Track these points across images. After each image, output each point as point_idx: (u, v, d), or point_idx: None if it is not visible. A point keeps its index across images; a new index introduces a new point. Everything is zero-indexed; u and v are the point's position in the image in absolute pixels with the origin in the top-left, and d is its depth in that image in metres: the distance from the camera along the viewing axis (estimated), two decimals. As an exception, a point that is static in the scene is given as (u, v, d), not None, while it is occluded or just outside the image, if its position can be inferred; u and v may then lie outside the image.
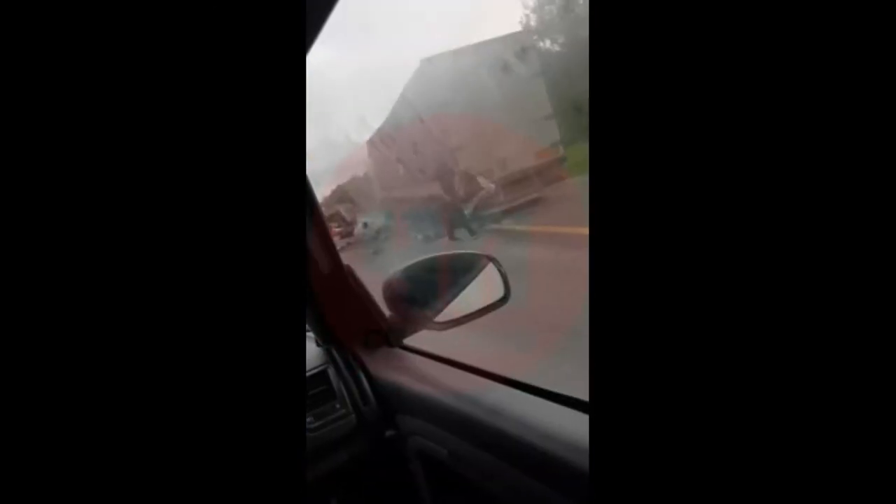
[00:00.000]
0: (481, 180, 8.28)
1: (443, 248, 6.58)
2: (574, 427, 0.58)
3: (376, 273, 1.02)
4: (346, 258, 1.02)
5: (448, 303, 0.95)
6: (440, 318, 0.95)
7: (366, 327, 1.04)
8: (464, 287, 0.97)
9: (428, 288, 0.95)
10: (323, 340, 1.08)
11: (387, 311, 1.02)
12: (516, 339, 2.72)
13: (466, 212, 8.23)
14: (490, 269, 0.97)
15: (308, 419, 0.95)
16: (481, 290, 0.96)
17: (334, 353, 1.04)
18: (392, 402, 0.95)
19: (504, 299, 0.94)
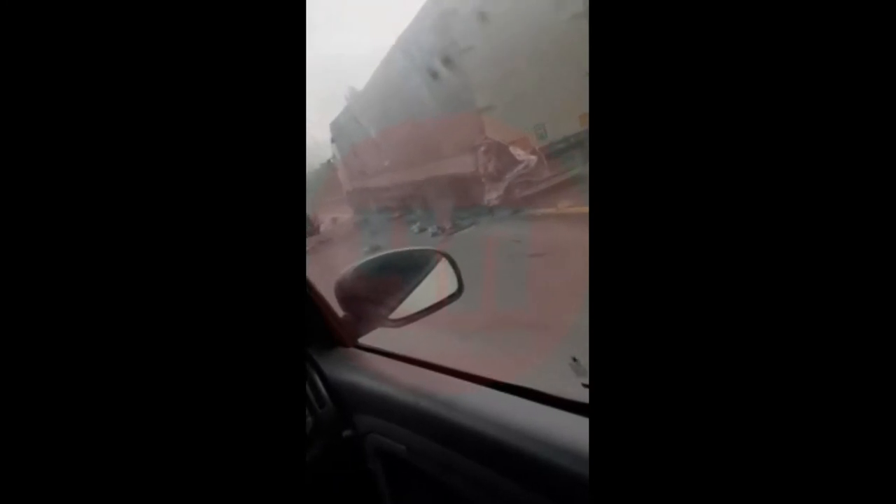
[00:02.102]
0: (517, 151, 6.32)
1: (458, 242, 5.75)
2: (528, 417, 0.60)
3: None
4: (333, 258, 0.98)
5: (402, 300, 0.96)
6: (394, 315, 0.95)
7: (319, 327, 1.03)
8: (418, 283, 0.97)
9: (381, 286, 0.95)
10: (275, 343, 1.05)
11: (340, 311, 1.00)
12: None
13: (495, 194, 6.39)
14: (443, 264, 0.97)
15: None
16: (435, 285, 0.97)
17: None
18: (348, 402, 0.94)
19: (458, 293, 0.95)
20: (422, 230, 7.21)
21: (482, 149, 6.40)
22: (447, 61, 6.36)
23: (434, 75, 6.69)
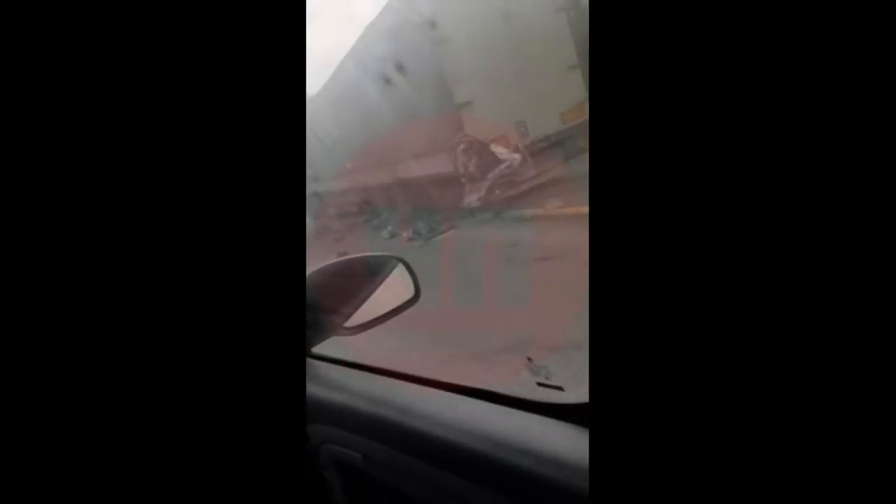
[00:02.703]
0: (499, 149, 5.91)
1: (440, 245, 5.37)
2: (482, 418, 0.60)
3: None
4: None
5: (357, 307, 0.94)
6: (349, 322, 0.93)
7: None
8: (373, 290, 0.96)
9: (335, 293, 0.93)
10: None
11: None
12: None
13: (476, 195, 5.93)
14: (399, 269, 0.97)
15: None
16: (391, 291, 0.96)
17: None
18: None
19: (414, 299, 0.95)
20: (393, 235, 6.77)
21: (461, 147, 5.97)
22: (415, 56, 6.06)
23: (400, 69, 6.36)
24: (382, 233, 7.20)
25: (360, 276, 0.98)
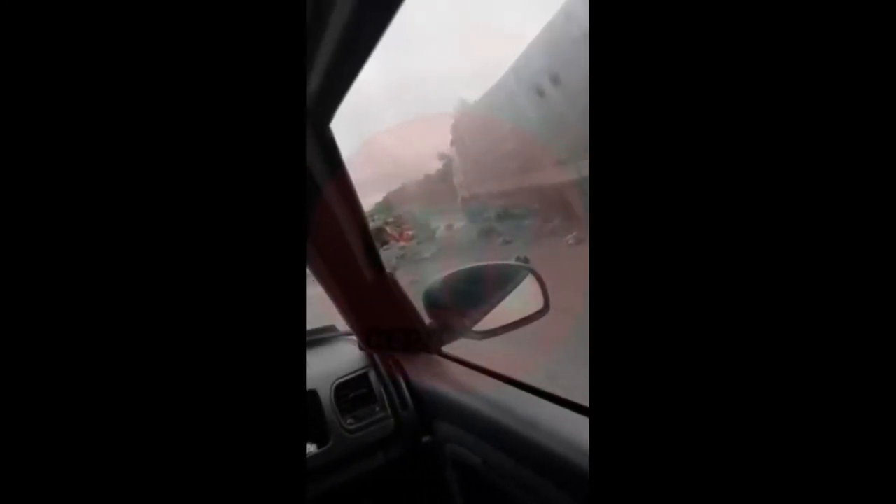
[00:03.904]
0: None
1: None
2: None
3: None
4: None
5: (487, 313, 0.96)
6: (479, 327, 0.96)
7: (406, 333, 1.07)
8: (503, 297, 0.97)
9: (467, 297, 0.96)
10: (365, 344, 1.11)
11: (427, 319, 1.04)
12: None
13: None
14: (530, 279, 0.97)
15: (348, 420, 0.98)
16: (521, 300, 0.96)
17: (375, 357, 1.07)
18: (430, 408, 0.97)
19: (544, 311, 0.94)
20: (580, 241, 6.42)
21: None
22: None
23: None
24: (567, 238, 6.86)
25: (492, 283, 0.99)
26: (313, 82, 0.61)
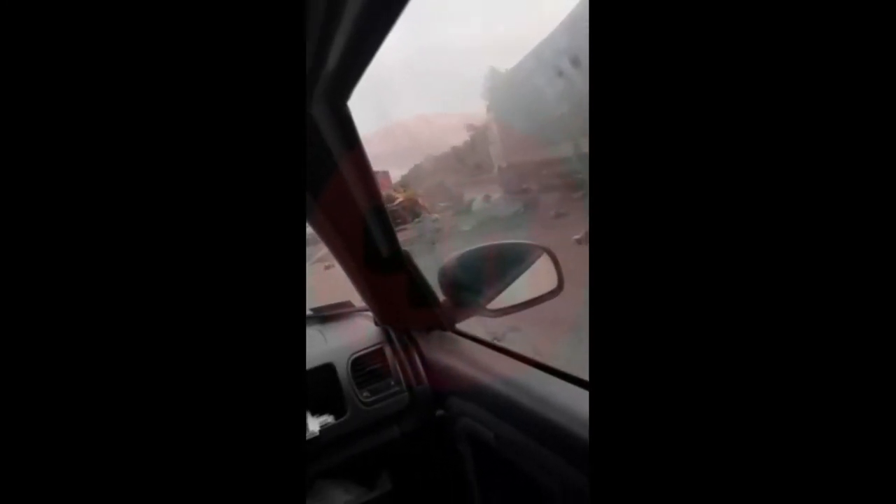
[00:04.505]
0: None
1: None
2: None
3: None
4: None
5: (501, 291, 0.97)
6: (492, 305, 0.97)
7: (421, 310, 1.08)
8: (517, 276, 0.98)
9: (482, 276, 0.97)
10: (381, 320, 1.13)
11: (441, 296, 1.05)
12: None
13: None
14: (545, 259, 0.97)
15: (364, 393, 1.01)
16: (535, 280, 0.97)
17: (391, 332, 1.09)
18: (443, 384, 0.99)
19: (557, 290, 0.94)
20: None
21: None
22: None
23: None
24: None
25: (507, 262, 1.00)
26: (331, 61, 0.61)
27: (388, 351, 1.06)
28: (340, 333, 1.15)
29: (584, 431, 0.61)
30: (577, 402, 0.67)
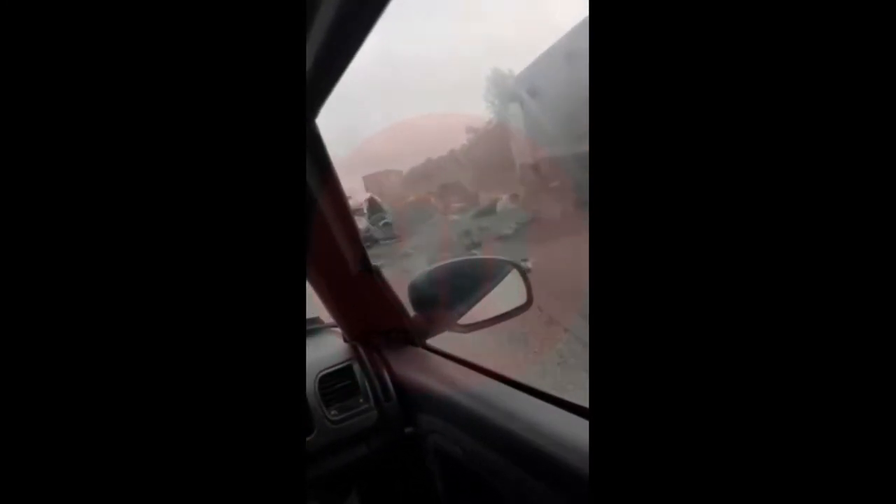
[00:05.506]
0: None
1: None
2: (579, 433, 0.60)
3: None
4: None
5: (471, 306, 0.98)
6: (463, 320, 0.97)
7: (391, 326, 1.07)
8: (487, 291, 0.98)
9: (452, 291, 0.97)
10: (350, 336, 1.12)
11: (412, 312, 1.05)
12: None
13: None
14: (514, 275, 0.98)
15: (332, 412, 0.99)
16: (505, 295, 0.98)
17: (360, 349, 1.08)
18: (413, 400, 0.98)
19: (526, 305, 0.96)
20: None
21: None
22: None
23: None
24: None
25: (477, 277, 1.00)
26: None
27: (356, 368, 1.05)
28: (308, 350, 1.13)
29: (550, 446, 0.62)
30: (543, 416, 0.68)
